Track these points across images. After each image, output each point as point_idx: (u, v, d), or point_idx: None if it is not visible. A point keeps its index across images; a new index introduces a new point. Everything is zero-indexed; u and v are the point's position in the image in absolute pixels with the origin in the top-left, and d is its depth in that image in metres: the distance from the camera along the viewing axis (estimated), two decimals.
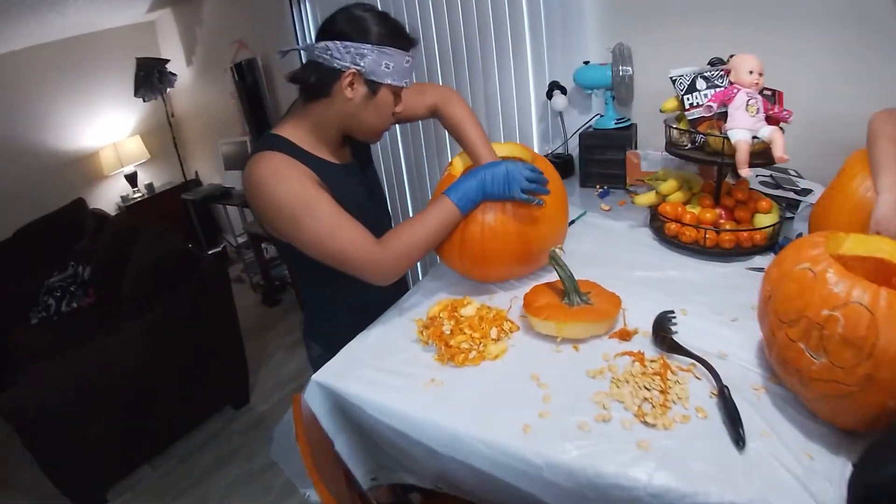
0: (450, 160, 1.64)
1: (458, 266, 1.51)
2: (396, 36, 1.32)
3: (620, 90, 2.03)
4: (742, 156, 1.44)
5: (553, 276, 1.44)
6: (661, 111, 1.67)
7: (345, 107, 1.34)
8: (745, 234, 1.57)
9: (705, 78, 1.55)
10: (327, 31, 1.30)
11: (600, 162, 2.09)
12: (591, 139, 2.10)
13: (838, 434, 1.00)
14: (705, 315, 1.32)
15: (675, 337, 1.24)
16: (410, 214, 3.08)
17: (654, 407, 1.06)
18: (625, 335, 1.29)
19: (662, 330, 1.26)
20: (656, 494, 0.93)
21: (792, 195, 1.81)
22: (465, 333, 1.28)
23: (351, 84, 1.31)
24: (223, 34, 4.32)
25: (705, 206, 1.67)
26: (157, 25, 5.22)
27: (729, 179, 1.79)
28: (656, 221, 1.73)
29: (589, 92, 2.18)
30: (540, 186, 1.40)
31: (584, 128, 2.17)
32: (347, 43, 1.27)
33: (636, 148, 2.13)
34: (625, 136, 2.06)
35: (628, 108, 2.17)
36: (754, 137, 1.48)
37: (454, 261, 1.49)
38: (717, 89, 1.53)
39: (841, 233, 1.11)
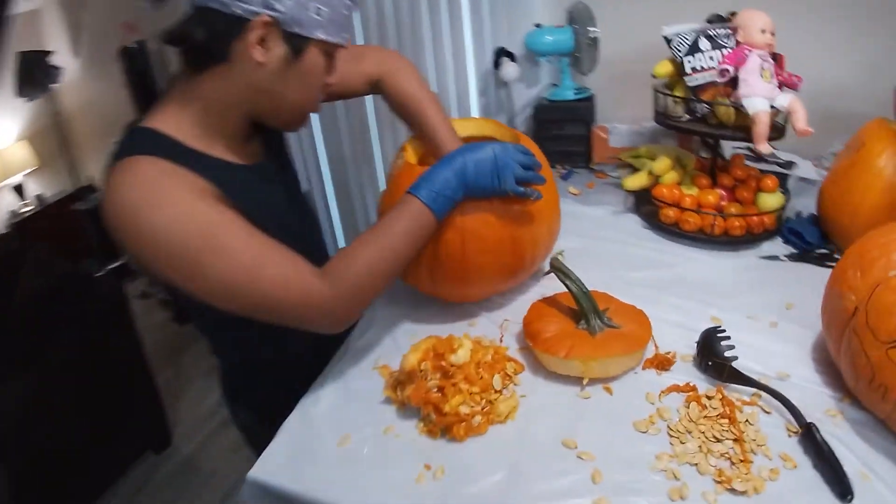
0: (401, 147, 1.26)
1: (426, 286, 1.15)
2: None
3: (584, 56, 1.74)
4: (763, 128, 1.24)
5: (546, 285, 1.20)
6: (653, 76, 1.42)
7: (253, 76, 0.91)
8: (756, 218, 1.35)
9: (709, 37, 1.30)
10: None
11: (558, 138, 1.80)
12: (548, 112, 1.80)
13: None
14: (740, 322, 1.11)
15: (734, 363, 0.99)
16: (338, 231, 2.62)
17: (734, 465, 0.84)
18: (662, 363, 1.02)
19: (715, 355, 1.00)
20: None
21: (777, 169, 1.63)
22: (461, 391, 0.92)
23: (262, 40, 0.88)
24: (113, 17, 3.80)
25: (703, 186, 1.43)
26: (43, 15, 4.54)
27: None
28: (647, 206, 1.48)
29: (541, 60, 1.87)
30: (536, 174, 1.06)
31: (536, 100, 1.87)
32: None
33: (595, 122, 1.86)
34: (587, 109, 1.79)
35: (585, 77, 1.89)
36: (771, 107, 1.27)
37: (422, 279, 1.13)
38: (723, 50, 1.29)
39: None
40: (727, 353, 1.00)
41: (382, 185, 2.38)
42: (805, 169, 1.65)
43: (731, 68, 1.27)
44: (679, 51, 1.32)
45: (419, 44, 1.98)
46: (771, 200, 1.40)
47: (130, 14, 3.62)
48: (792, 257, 1.35)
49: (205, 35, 0.88)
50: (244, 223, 0.89)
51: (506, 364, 1.00)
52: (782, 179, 1.57)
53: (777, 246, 1.40)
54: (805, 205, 1.50)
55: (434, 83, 2.05)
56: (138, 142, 0.90)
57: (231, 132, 0.99)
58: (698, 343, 1.04)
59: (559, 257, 1.05)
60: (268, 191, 1.06)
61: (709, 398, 0.94)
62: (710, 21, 1.37)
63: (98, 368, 2.46)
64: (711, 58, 1.31)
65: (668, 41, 1.34)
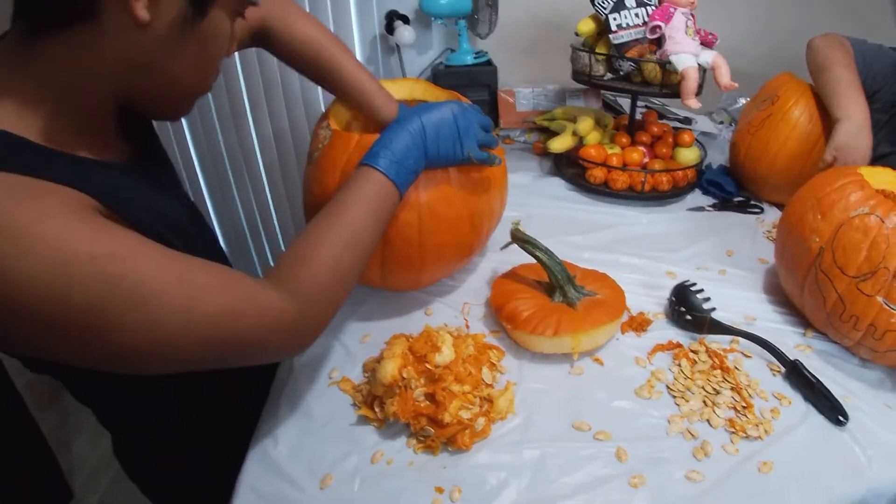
0: (322, 115, 1.05)
1: (374, 277, 0.99)
2: None
3: (483, 18, 1.65)
4: (692, 84, 1.24)
5: (493, 258, 1.13)
6: (576, 33, 1.36)
7: (130, 43, 0.61)
8: (680, 173, 1.35)
9: None
10: None
11: None
12: (448, 79, 1.69)
13: (890, 372, 0.94)
14: (692, 274, 1.13)
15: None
16: (217, 230, 2.34)
17: (738, 412, 0.85)
18: (640, 325, 0.99)
19: (694, 308, 0.98)
20: None
21: (678, 125, 1.66)
22: (455, 394, 0.79)
23: None
24: None
25: (624, 145, 1.41)
26: None
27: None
28: (571, 168, 1.43)
29: (437, 22, 1.77)
30: (492, 136, 0.94)
31: (432, 65, 1.76)
32: None
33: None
34: (489, 73, 1.70)
35: (479, 41, 1.81)
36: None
37: (371, 272, 0.98)
38: (648, 8, 1.26)
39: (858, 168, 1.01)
40: (705, 306, 0.98)
41: (265, 175, 2.19)
42: (704, 124, 1.69)
43: (662, 24, 1.25)
44: (604, 8, 1.27)
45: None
46: (690, 154, 1.42)
47: None
48: (716, 207, 1.37)
49: None
50: (154, 245, 0.60)
51: (489, 353, 0.90)
52: None
53: (698, 197, 1.43)
54: (710, 157, 1.55)
55: None
56: None
57: (96, 122, 0.68)
58: (671, 299, 1.02)
59: (519, 227, 0.96)
60: (154, 194, 0.77)
61: (695, 352, 0.93)
62: None
63: None
64: (637, 14, 1.28)
65: None
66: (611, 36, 1.29)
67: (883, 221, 0.87)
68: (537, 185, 1.46)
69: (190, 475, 0.86)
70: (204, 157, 2.16)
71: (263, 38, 0.94)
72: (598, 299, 0.95)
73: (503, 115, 1.67)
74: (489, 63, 1.74)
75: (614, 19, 1.28)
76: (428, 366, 0.81)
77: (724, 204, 1.38)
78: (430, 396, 0.79)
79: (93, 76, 0.62)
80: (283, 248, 2.36)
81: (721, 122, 1.80)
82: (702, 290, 1.01)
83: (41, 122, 0.61)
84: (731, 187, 1.41)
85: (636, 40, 1.29)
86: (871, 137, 1.15)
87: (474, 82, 1.69)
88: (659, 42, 1.29)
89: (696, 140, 1.48)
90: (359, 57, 1.89)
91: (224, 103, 2.01)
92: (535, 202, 1.36)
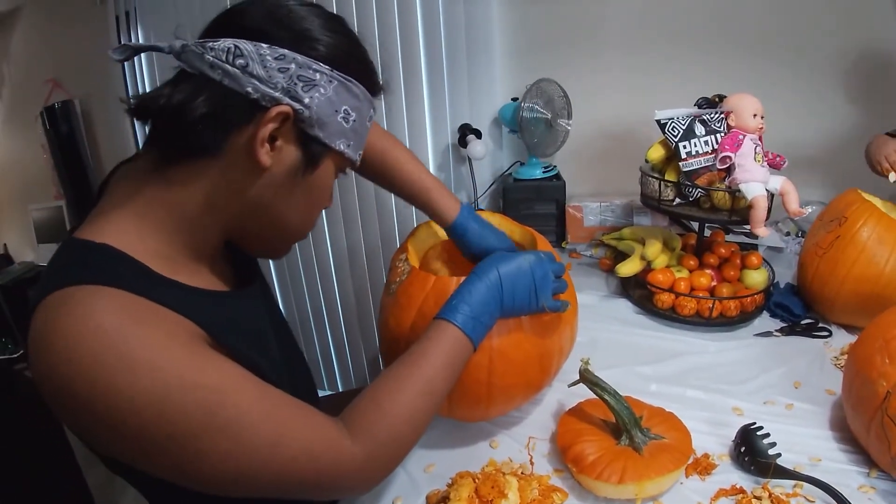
0: (407, 237, 1.14)
1: (442, 408, 1.02)
2: (365, 63, 0.76)
3: (553, 135, 1.73)
4: (761, 213, 1.25)
5: (557, 391, 1.13)
6: (646, 160, 1.41)
7: (247, 182, 0.71)
8: (749, 298, 1.36)
9: (703, 122, 1.30)
10: (231, 24, 0.69)
11: (528, 217, 1.77)
12: (517, 192, 1.77)
13: None
14: (758, 409, 1.12)
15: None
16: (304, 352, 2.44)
17: None
18: (704, 468, 0.98)
19: (759, 454, 0.98)
20: None
21: (744, 239, 1.67)
22: None
23: (273, 137, 0.69)
24: (36, 72, 3.35)
25: (691, 267, 1.43)
26: None
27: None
28: (639, 290, 1.46)
29: (511, 134, 1.85)
30: (565, 282, 0.99)
31: (502, 178, 1.84)
32: (283, 51, 0.67)
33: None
34: (558, 188, 1.77)
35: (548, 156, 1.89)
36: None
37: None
38: (717, 135, 1.30)
39: None
40: (770, 451, 0.98)
41: (338, 276, 2.28)
42: (772, 238, 1.69)
43: (732, 155, 1.28)
44: (673, 135, 1.32)
45: (376, 118, 1.92)
46: (758, 277, 1.42)
47: (54, 69, 3.25)
48: (783, 331, 1.36)
49: (202, 112, 0.65)
50: (250, 378, 0.66)
51: (553, 496, 0.92)
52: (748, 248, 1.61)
53: (766, 320, 1.42)
54: (777, 272, 1.53)
55: None
56: (91, 264, 0.63)
57: (207, 250, 0.77)
58: (736, 441, 1.01)
59: (588, 367, 1.00)
60: (258, 322, 0.84)
61: (758, 498, 0.92)
62: (699, 105, 1.38)
63: (27, 468, 2.11)
64: (706, 142, 1.31)
65: (662, 126, 1.33)
66: (680, 164, 1.32)
67: None
68: (604, 306, 1.48)
69: None
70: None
71: (370, 167, 1.05)
72: (664, 444, 0.96)
73: (570, 230, 1.72)
74: (558, 177, 1.80)
75: (684, 147, 1.32)
76: None
77: (792, 328, 1.37)
78: None
79: (210, 207, 0.72)
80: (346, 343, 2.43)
81: (788, 234, 1.80)
82: (768, 435, 1.00)
83: (158, 246, 0.69)
84: (799, 310, 1.40)
85: (705, 167, 1.32)
86: None
87: (542, 196, 1.76)
88: (728, 169, 1.32)
89: (764, 260, 1.48)
90: (431, 166, 2.00)
91: None
92: (601, 326, 1.39)
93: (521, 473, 0.97)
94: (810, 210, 1.50)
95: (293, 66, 0.67)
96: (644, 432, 0.97)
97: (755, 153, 1.29)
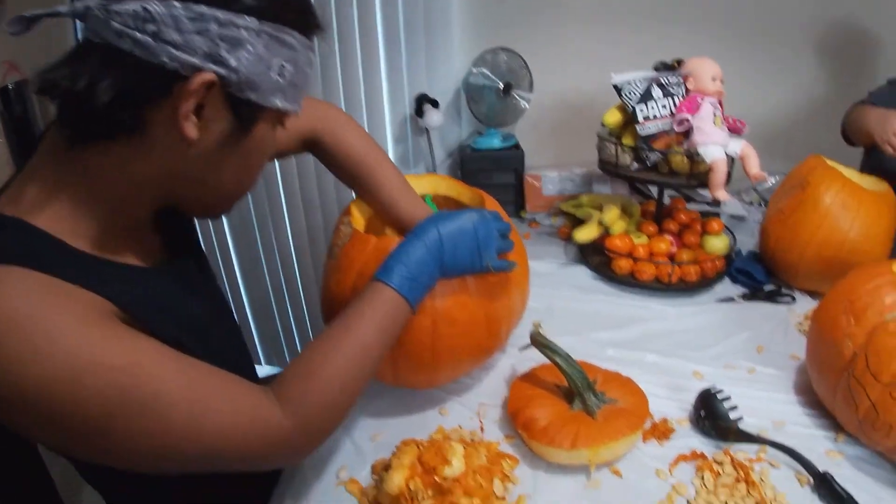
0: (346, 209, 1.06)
1: (386, 375, 0.99)
2: (298, 5, 0.67)
3: (506, 105, 1.67)
4: (721, 176, 1.22)
5: (512, 354, 1.09)
6: (602, 125, 1.36)
7: (176, 157, 0.64)
8: (709, 263, 1.32)
9: (661, 85, 1.27)
10: None
11: (487, 188, 1.65)
12: (475, 162, 1.71)
13: None
14: (721, 374, 1.09)
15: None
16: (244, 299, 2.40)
17: None
18: (662, 433, 0.95)
19: (719, 417, 0.94)
20: None
21: (706, 208, 1.64)
22: None
23: (198, 109, 0.61)
24: None
25: (651, 234, 1.39)
26: None
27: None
28: (597, 257, 1.42)
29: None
30: (511, 241, 0.94)
31: (460, 148, 1.79)
32: (201, 8, 0.57)
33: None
34: (516, 157, 1.72)
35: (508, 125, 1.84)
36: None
37: (384, 370, 0.97)
38: (675, 98, 1.27)
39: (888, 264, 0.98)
40: (731, 415, 0.95)
41: (298, 254, 2.21)
42: (733, 206, 1.66)
43: (690, 117, 1.25)
44: (630, 99, 1.28)
45: (332, 88, 1.86)
46: (719, 243, 1.39)
47: (13, 53, 3.15)
48: (745, 297, 1.34)
49: (111, 95, 0.57)
50: (169, 354, 0.62)
51: (502, 463, 0.87)
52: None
53: (727, 286, 1.39)
54: (740, 241, 1.51)
55: None
56: (1, 242, 0.59)
57: (132, 226, 0.71)
58: (696, 406, 0.98)
59: (539, 330, 0.95)
60: (183, 298, 0.77)
61: (719, 463, 0.89)
62: (657, 69, 1.34)
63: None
64: (664, 106, 1.28)
65: (619, 89, 1.29)
66: (637, 127, 1.28)
67: None
68: (562, 273, 1.44)
69: None
70: (235, 228, 2.20)
71: (312, 146, 1.00)
72: (619, 408, 0.92)
73: (529, 200, 1.68)
74: (517, 147, 1.75)
75: (641, 111, 1.28)
76: (437, 478, 0.79)
77: (755, 294, 1.34)
78: None
79: (134, 185, 0.65)
80: (307, 318, 2.37)
81: (751, 203, 1.77)
82: (729, 398, 0.97)
83: (77, 225, 0.64)
84: (762, 276, 1.37)
85: (663, 131, 1.29)
86: None
87: (501, 166, 1.70)
88: (686, 132, 1.28)
89: (725, 227, 1.45)
90: (388, 137, 1.93)
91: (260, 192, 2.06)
92: (558, 293, 1.34)
93: (471, 440, 0.92)
94: (773, 181, 1.47)
95: (214, 25, 0.58)
96: (598, 396, 0.93)
97: (714, 116, 1.26)
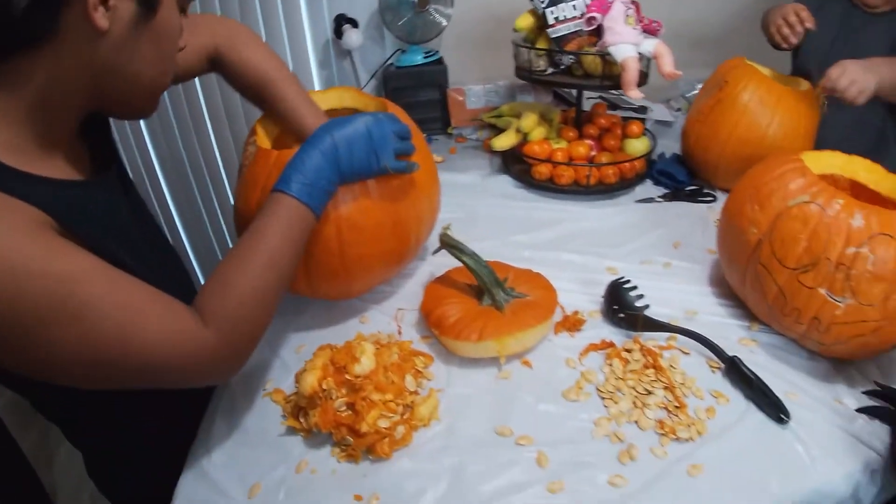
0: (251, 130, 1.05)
1: (303, 288, 0.99)
2: None
3: (424, 21, 1.63)
4: (633, 75, 1.22)
5: (434, 262, 1.09)
6: (514, 29, 1.34)
7: (93, 52, 0.64)
8: (628, 164, 1.33)
9: None
10: None
11: (412, 105, 1.64)
12: (398, 80, 1.68)
13: (839, 364, 0.93)
14: (636, 269, 1.11)
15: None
16: (186, 241, 2.36)
17: (671, 413, 0.83)
18: (573, 324, 0.98)
19: (626, 306, 0.97)
20: None
21: (631, 114, 1.64)
22: (375, 404, 0.79)
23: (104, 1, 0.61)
24: None
25: (571, 139, 1.39)
26: None
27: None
28: (518, 165, 1.42)
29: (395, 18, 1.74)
30: (411, 143, 0.93)
31: (383, 66, 1.74)
32: None
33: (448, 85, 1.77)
34: (439, 72, 1.68)
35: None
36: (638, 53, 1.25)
37: (297, 282, 0.97)
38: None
39: (802, 153, 0.99)
40: (638, 303, 0.97)
41: (230, 180, 2.17)
42: (659, 112, 1.67)
43: (598, 16, 1.23)
44: (541, 2, 1.26)
45: (249, 14, 1.79)
46: (639, 145, 1.40)
47: None
48: (666, 197, 1.36)
49: (26, 2, 0.57)
50: (102, 266, 0.63)
51: (414, 360, 0.89)
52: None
53: (649, 188, 1.41)
54: (665, 145, 1.53)
55: None
56: None
57: (59, 136, 0.71)
58: (605, 297, 1.00)
59: (448, 232, 0.95)
60: (115, 211, 0.79)
61: (628, 351, 0.92)
62: None
63: None
64: (574, 7, 1.26)
65: None
66: (548, 30, 1.27)
67: (824, 210, 0.84)
68: (485, 183, 1.44)
69: (159, 490, 0.83)
70: (164, 160, 2.14)
71: (215, 63, 0.99)
72: (527, 301, 0.94)
73: (454, 114, 1.66)
74: (439, 62, 1.72)
75: (552, 13, 1.26)
76: (347, 376, 0.80)
77: (676, 194, 1.36)
78: (351, 405, 0.79)
79: (59, 91, 0.65)
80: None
81: (679, 110, 1.78)
82: (636, 288, 0.99)
83: (9, 139, 0.64)
84: (683, 176, 1.39)
85: (574, 33, 1.27)
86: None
87: (425, 82, 1.68)
88: (599, 33, 1.27)
89: (647, 130, 1.46)
90: (312, 62, 1.89)
91: (183, 110, 2.00)
92: (481, 201, 1.35)
93: (384, 343, 0.93)
94: (698, 88, 1.47)
95: None
96: (507, 292, 0.94)
97: (626, 16, 1.24)
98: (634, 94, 1.23)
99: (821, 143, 1.27)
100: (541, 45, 1.32)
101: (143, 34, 0.68)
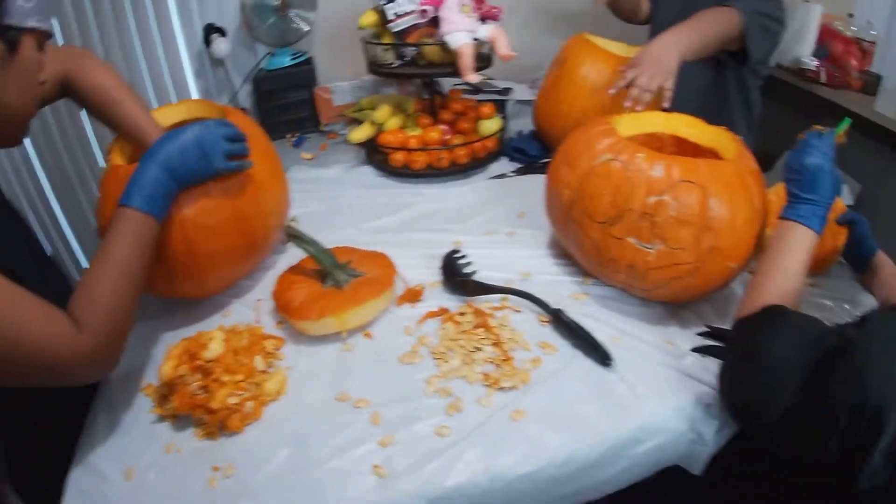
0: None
1: (164, 290, 1.06)
2: None
3: (288, 25, 1.69)
4: (467, 60, 1.30)
5: (295, 255, 1.15)
6: (359, 27, 1.42)
7: None
8: (478, 144, 1.43)
9: None
10: None
11: (283, 107, 1.75)
12: (268, 83, 1.73)
13: (671, 308, 1.01)
14: (480, 240, 1.21)
15: (474, 277, 1.07)
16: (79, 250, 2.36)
17: (498, 366, 0.91)
18: (413, 296, 1.07)
19: (457, 274, 1.05)
20: (565, 462, 0.79)
21: (496, 97, 1.73)
22: (224, 384, 0.87)
23: None
24: None
25: (426, 126, 1.48)
26: None
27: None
28: (378, 155, 1.50)
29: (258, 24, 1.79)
30: (242, 144, 1.00)
31: (254, 71, 1.79)
32: None
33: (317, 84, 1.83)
34: (307, 72, 1.75)
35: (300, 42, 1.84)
36: (474, 39, 1.33)
37: (158, 286, 1.03)
38: None
39: (614, 117, 1.08)
40: (466, 270, 1.06)
41: None
42: (521, 92, 1.76)
43: (429, 8, 1.32)
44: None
45: (124, 33, 1.81)
46: (490, 125, 1.49)
47: None
48: (518, 172, 1.45)
49: None
50: None
51: (263, 343, 0.97)
52: (501, 105, 1.67)
53: (504, 165, 1.50)
54: (526, 124, 1.62)
55: (146, 73, 1.89)
56: None
57: None
58: (441, 268, 1.09)
59: (292, 224, 1.03)
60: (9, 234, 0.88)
61: (461, 314, 1.00)
62: None
63: None
64: (411, 1, 1.34)
65: None
66: (389, 25, 1.35)
67: (626, 165, 0.92)
68: (349, 175, 1.51)
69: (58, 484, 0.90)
70: (51, 172, 2.13)
71: (67, 89, 1.06)
72: (365, 279, 1.02)
73: (322, 112, 1.72)
74: (308, 62, 1.78)
75: (391, 9, 1.34)
76: (199, 362, 0.88)
77: (528, 167, 1.45)
78: (205, 388, 0.87)
79: None
80: None
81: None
82: (464, 256, 1.09)
83: None
84: (536, 151, 1.49)
85: (413, 26, 1.36)
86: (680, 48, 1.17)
87: (294, 83, 1.73)
88: (436, 24, 1.35)
89: (504, 111, 1.55)
90: (188, 73, 1.91)
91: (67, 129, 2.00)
92: (343, 192, 1.42)
93: (237, 330, 1.00)
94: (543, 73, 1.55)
95: None
96: (347, 272, 1.02)
97: (461, 5, 1.33)
98: (473, 79, 1.32)
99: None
100: (386, 40, 1.40)
101: (8, 71, 0.79)
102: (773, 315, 0.78)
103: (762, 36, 1.28)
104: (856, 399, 0.63)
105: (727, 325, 0.94)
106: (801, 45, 1.99)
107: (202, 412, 0.85)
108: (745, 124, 1.53)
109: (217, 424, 0.85)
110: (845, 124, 0.93)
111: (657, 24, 1.54)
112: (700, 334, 0.96)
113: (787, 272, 0.85)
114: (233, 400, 0.86)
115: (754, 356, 0.75)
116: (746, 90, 1.51)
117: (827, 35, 1.95)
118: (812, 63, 1.96)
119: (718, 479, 0.89)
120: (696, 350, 0.93)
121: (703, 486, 0.92)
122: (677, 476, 0.88)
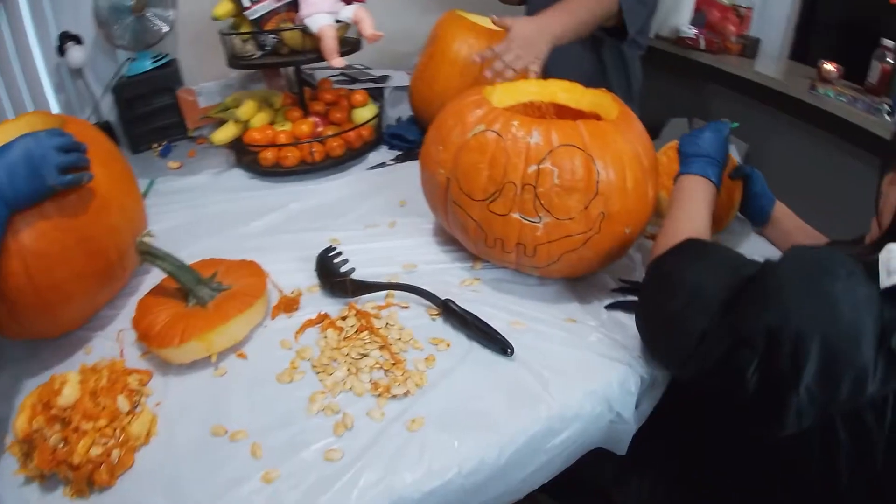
0: None
1: (15, 331, 0.94)
2: None
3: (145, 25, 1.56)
4: (331, 43, 1.24)
5: (157, 277, 1.04)
6: (213, 18, 1.32)
7: None
8: (352, 133, 1.36)
9: None
10: None
11: (147, 115, 1.61)
12: (129, 90, 1.59)
13: (570, 283, 0.98)
14: (358, 235, 1.15)
15: (353, 276, 1.00)
16: None
17: (388, 372, 0.84)
18: (289, 305, 0.99)
19: (334, 274, 0.99)
20: (475, 470, 0.73)
21: (372, 85, 1.67)
22: (85, 433, 0.77)
23: None
24: None
25: (296, 119, 1.40)
26: None
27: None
28: (247, 156, 1.41)
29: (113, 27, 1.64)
30: (79, 155, 0.89)
31: (115, 79, 1.66)
32: None
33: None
34: (170, 74, 1.62)
35: (163, 43, 1.72)
36: (337, 21, 1.27)
37: (6, 325, 0.91)
38: None
39: (486, 87, 1.05)
40: (343, 269, 1.00)
41: None
42: (400, 79, 1.70)
43: None
44: None
45: None
46: (364, 112, 1.43)
47: None
48: (398, 159, 1.40)
49: None
50: None
51: (126, 379, 0.87)
52: (378, 92, 1.61)
53: (384, 154, 1.45)
54: (406, 110, 1.57)
55: (0, 88, 1.72)
56: None
57: None
58: (316, 270, 1.02)
59: (145, 239, 0.93)
60: None
61: (343, 319, 0.93)
62: None
63: None
64: None
65: None
66: (246, 13, 1.27)
67: (500, 136, 0.86)
68: (216, 181, 1.42)
69: None
70: None
71: None
72: (231, 292, 0.94)
73: (187, 116, 1.61)
74: (170, 64, 1.66)
75: None
76: (54, 411, 0.78)
77: (408, 154, 1.40)
78: (65, 442, 0.76)
79: None
80: None
81: None
82: (340, 254, 1.02)
83: None
84: (414, 135, 1.44)
85: (272, 12, 1.28)
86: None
87: (157, 87, 1.61)
88: (296, 7, 1.28)
89: (380, 98, 1.49)
90: (47, 87, 1.75)
91: None
92: (210, 199, 1.32)
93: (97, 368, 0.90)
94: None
95: None
96: (211, 287, 0.94)
97: None
98: (338, 63, 1.25)
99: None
100: (245, 29, 1.31)
101: None
102: (689, 246, 0.77)
103: (637, 8, 1.28)
104: (772, 321, 0.61)
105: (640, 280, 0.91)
106: (679, 15, 2.04)
107: (66, 469, 0.75)
108: (626, 97, 1.53)
109: (84, 481, 0.75)
110: (733, 125, 0.99)
111: (532, 5, 1.51)
112: (615, 290, 0.93)
113: (692, 218, 0.85)
114: (96, 451, 0.76)
115: (668, 283, 0.74)
116: (625, 64, 1.51)
117: (704, 3, 2.01)
118: (691, 31, 2.01)
119: (646, 455, 0.87)
120: (611, 307, 0.90)
121: (632, 465, 0.90)
122: (604, 460, 0.86)
